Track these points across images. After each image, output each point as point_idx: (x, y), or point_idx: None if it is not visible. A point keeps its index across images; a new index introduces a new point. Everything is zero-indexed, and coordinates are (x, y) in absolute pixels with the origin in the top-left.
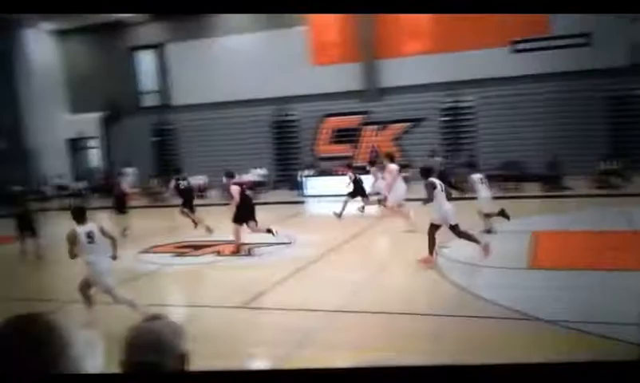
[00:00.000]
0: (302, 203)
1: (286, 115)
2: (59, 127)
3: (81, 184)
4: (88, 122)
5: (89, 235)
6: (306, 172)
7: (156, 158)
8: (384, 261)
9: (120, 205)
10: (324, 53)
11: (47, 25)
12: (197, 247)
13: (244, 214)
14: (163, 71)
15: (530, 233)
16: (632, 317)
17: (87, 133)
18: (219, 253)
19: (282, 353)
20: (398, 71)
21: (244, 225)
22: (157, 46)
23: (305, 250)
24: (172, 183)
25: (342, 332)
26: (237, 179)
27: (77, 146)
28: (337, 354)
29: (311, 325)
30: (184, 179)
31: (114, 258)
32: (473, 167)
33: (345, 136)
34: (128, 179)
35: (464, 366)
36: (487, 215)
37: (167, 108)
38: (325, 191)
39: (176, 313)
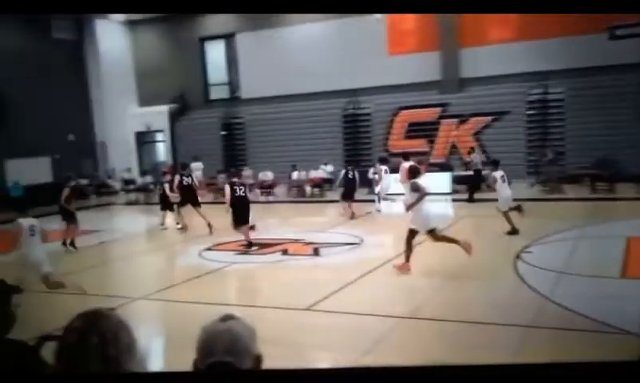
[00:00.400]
0: (373, 201)
1: (359, 108)
2: (127, 120)
3: (148, 179)
4: (156, 115)
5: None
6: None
7: (224, 152)
8: (460, 265)
9: (165, 203)
10: (400, 42)
11: (118, 16)
12: (262, 246)
13: (243, 215)
14: (232, 62)
15: (624, 239)
16: None
17: (154, 127)
18: (285, 252)
19: (347, 359)
20: (480, 60)
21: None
22: (227, 37)
23: (374, 252)
24: (177, 179)
25: (411, 339)
26: (249, 174)
27: (144, 139)
28: (403, 363)
29: (379, 330)
30: (189, 175)
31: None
32: (496, 164)
33: (421, 130)
34: (197, 174)
35: (464, 366)
36: (506, 213)
37: (236, 101)
38: (398, 188)
39: (240, 314)
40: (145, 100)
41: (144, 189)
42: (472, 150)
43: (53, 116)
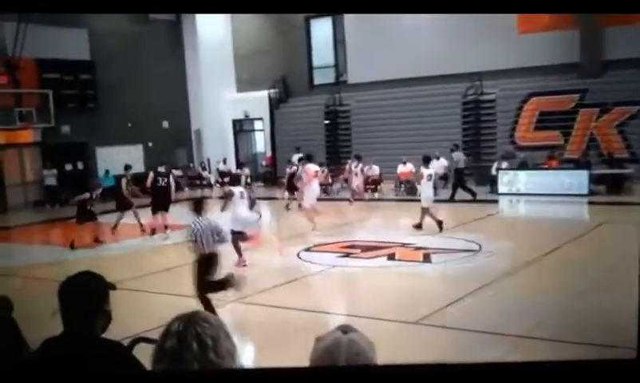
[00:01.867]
0: (495, 202)
1: (482, 93)
2: (224, 106)
3: (247, 170)
4: (255, 101)
5: None
6: (502, 164)
7: (327, 143)
8: (589, 280)
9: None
10: (532, 19)
11: None
12: (366, 249)
13: (161, 202)
14: (339, 43)
15: None
16: None
17: (253, 114)
18: (391, 257)
19: None
20: (627, 40)
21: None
22: (334, 14)
23: (492, 261)
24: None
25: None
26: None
27: (241, 128)
28: None
29: (494, 350)
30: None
31: None
32: (427, 161)
33: (555, 120)
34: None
35: (464, 365)
36: (426, 211)
37: (342, 86)
38: (525, 188)
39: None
40: (244, 85)
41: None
42: (455, 147)
43: (147, 101)
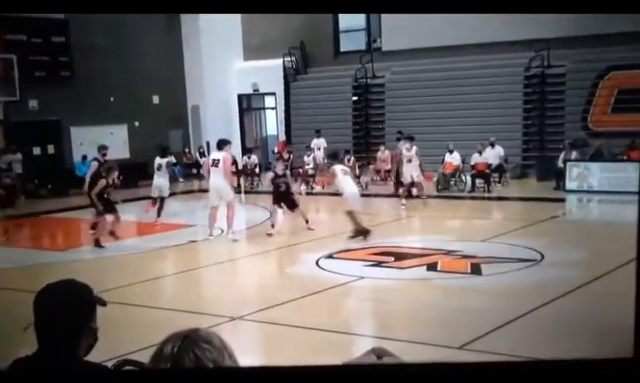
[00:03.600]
0: (561, 201)
1: (548, 66)
2: (228, 78)
3: (254, 158)
4: (267, 72)
5: None
6: (571, 154)
7: (356, 125)
8: None
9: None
10: None
11: None
12: (401, 256)
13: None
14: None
15: None
16: None
17: (264, 88)
18: (432, 267)
19: None
20: None
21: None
22: None
23: (558, 273)
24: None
25: None
26: None
27: (249, 105)
28: None
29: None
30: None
31: None
32: (334, 157)
33: (637, 100)
34: (317, 154)
35: (464, 365)
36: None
37: (375, 54)
38: (599, 184)
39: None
40: (253, 51)
41: (247, 172)
42: (400, 133)
43: (134, 70)
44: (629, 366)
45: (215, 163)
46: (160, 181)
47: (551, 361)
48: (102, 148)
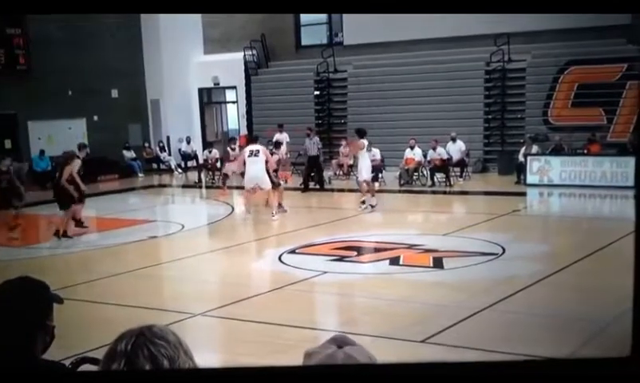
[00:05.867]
0: (523, 194)
1: (509, 61)
2: (188, 72)
3: (215, 153)
4: (227, 66)
5: None
6: (532, 149)
7: (317, 119)
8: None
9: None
10: None
11: None
12: (363, 251)
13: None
14: None
15: None
16: None
17: (224, 82)
18: (395, 261)
19: None
20: None
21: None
22: None
23: (518, 266)
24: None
25: None
26: None
27: (210, 99)
28: None
29: None
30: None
31: None
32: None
33: (597, 95)
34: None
35: (464, 365)
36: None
37: (337, 48)
38: (560, 178)
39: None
40: (213, 44)
41: (208, 167)
42: (310, 131)
43: (93, 63)
44: (626, 365)
45: (255, 153)
46: None
47: (548, 360)
48: (83, 147)
